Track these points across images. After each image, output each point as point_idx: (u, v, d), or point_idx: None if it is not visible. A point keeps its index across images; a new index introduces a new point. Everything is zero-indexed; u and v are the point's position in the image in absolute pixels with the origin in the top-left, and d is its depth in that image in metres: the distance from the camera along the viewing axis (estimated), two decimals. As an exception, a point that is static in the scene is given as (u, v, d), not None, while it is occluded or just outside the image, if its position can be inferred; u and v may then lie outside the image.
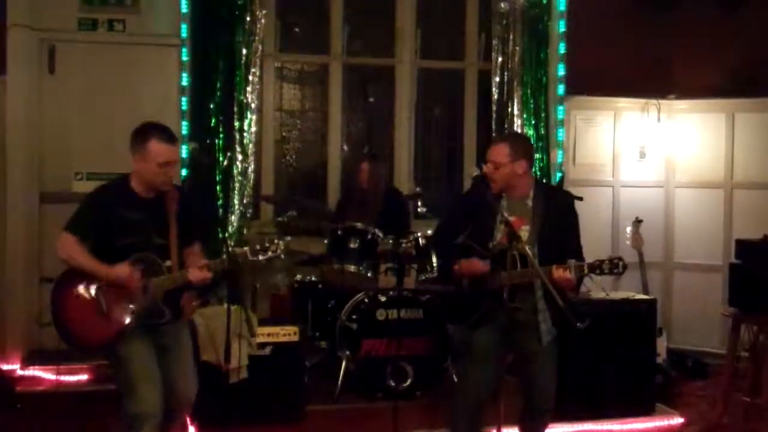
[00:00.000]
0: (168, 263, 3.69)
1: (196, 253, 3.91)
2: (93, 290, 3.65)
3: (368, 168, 5.96)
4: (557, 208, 3.99)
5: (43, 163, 6.08)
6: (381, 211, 5.81)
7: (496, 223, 3.93)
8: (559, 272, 3.71)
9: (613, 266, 3.73)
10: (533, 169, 6.48)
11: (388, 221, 5.70)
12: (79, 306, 3.65)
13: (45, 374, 5.59)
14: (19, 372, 5.66)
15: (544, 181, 6.56)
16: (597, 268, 3.74)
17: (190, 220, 3.88)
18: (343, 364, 5.25)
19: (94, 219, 3.66)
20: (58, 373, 5.46)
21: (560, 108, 6.77)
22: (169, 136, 3.70)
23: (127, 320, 3.64)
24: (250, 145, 6.17)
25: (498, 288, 3.81)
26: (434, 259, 5.42)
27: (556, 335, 3.97)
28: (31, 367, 5.67)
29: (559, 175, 6.70)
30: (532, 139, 6.55)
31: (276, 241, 3.80)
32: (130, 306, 3.64)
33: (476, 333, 3.95)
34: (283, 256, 3.81)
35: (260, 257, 3.77)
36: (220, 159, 6.07)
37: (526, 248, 3.71)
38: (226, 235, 5.94)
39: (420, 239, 5.48)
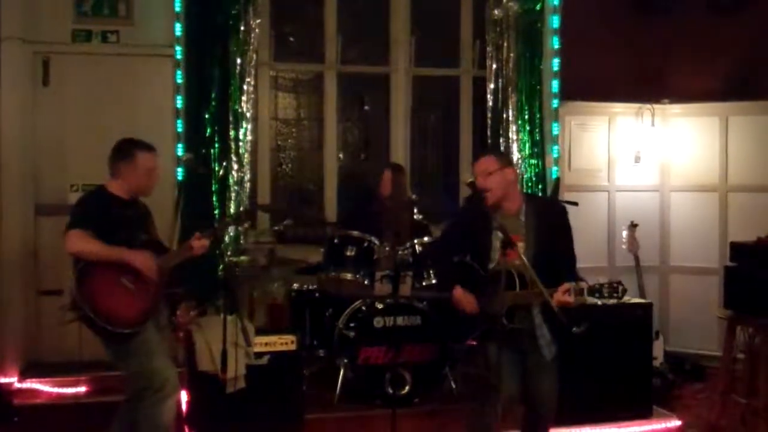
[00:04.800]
0: (166, 244, 4.26)
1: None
2: (115, 274, 3.94)
3: (391, 177, 5.93)
4: (550, 222, 4.01)
5: (39, 176, 6.07)
6: (404, 223, 5.71)
7: (492, 240, 3.94)
8: (559, 296, 3.72)
9: (613, 290, 3.76)
10: (528, 175, 6.55)
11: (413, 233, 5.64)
12: (107, 291, 3.92)
13: (43, 387, 5.58)
14: (17, 385, 5.63)
15: (539, 186, 6.59)
16: (597, 291, 3.77)
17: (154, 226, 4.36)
18: (341, 371, 5.26)
19: (97, 214, 3.99)
20: (57, 385, 5.46)
21: (555, 113, 6.79)
22: (149, 146, 4.23)
23: (153, 298, 4.02)
24: (246, 155, 6.17)
25: (497, 310, 3.81)
26: (431, 273, 5.43)
27: (557, 351, 3.97)
28: (28, 380, 5.65)
29: (554, 178, 6.71)
30: (527, 145, 6.60)
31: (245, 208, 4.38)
32: (155, 283, 4.02)
33: (486, 347, 3.93)
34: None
35: (236, 226, 4.48)
36: (216, 168, 6.06)
37: (527, 265, 3.70)
38: (222, 245, 5.94)
39: (416, 246, 5.49)
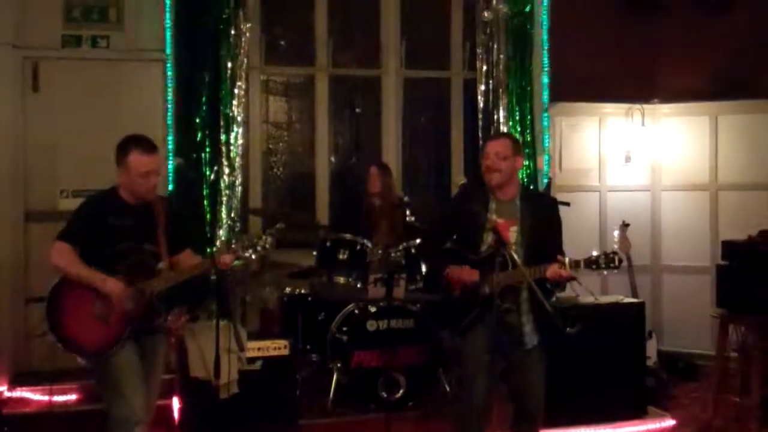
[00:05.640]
0: (161, 265, 3.85)
1: (188, 256, 4.07)
2: (89, 297, 3.74)
3: (377, 173, 5.93)
4: (543, 210, 4.09)
5: (28, 182, 6.04)
6: (396, 222, 5.72)
7: (484, 227, 3.96)
8: (554, 269, 3.75)
9: (609, 260, 3.78)
10: (520, 176, 6.55)
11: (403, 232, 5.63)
12: (77, 311, 3.75)
13: (33, 395, 5.54)
14: (7, 394, 5.60)
15: (531, 187, 6.60)
16: (593, 263, 3.80)
17: (178, 229, 4.03)
18: (335, 376, 5.25)
19: (87, 227, 3.79)
20: (47, 393, 5.42)
21: (545, 114, 6.82)
22: (148, 147, 3.84)
23: (123, 326, 3.76)
24: (237, 158, 6.16)
25: (488, 291, 3.84)
26: (423, 267, 5.43)
27: (540, 340, 3.98)
28: (18, 389, 5.61)
29: (545, 180, 6.72)
30: (518, 146, 6.60)
31: (262, 236, 3.96)
32: (127, 311, 3.75)
33: (467, 338, 3.97)
34: (267, 246, 3.94)
35: (250, 253, 3.94)
36: (207, 173, 6.05)
37: (513, 253, 3.75)
38: (215, 249, 5.91)
39: (410, 248, 5.48)
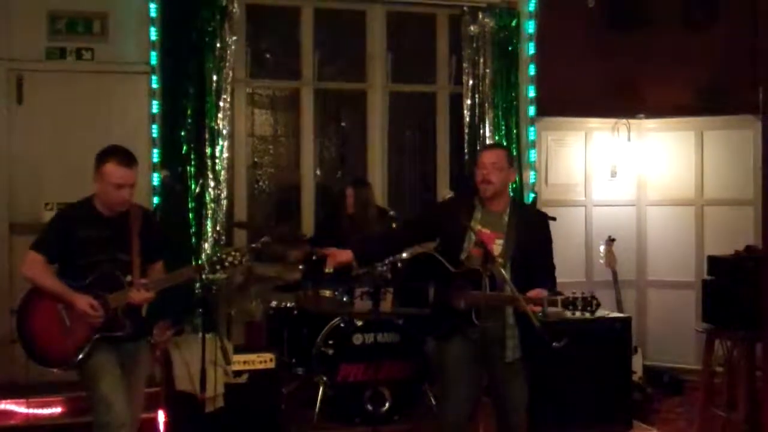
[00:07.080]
0: (129, 278, 3.86)
1: (158, 270, 4.09)
2: (57, 307, 3.81)
3: (353, 194, 5.95)
4: (532, 225, 4.06)
5: (13, 194, 5.99)
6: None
7: (465, 234, 3.95)
8: (530, 306, 3.72)
9: (587, 304, 3.75)
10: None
11: None
12: (44, 322, 3.82)
13: (18, 408, 5.45)
14: (-9, 407, 5.55)
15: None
16: (570, 303, 3.77)
17: (153, 239, 4.05)
18: (321, 389, 5.22)
19: (57, 239, 3.86)
20: (30, 406, 5.36)
21: (531, 129, 6.84)
22: (126, 160, 3.85)
23: (88, 336, 3.80)
24: (223, 172, 6.14)
25: (464, 306, 3.83)
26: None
27: (522, 354, 3.96)
28: (3, 401, 5.52)
29: (531, 195, 6.74)
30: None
31: (233, 252, 3.98)
32: (92, 323, 3.80)
33: (448, 346, 3.96)
34: (243, 260, 3.97)
35: (218, 269, 3.96)
36: (192, 186, 6.03)
37: (502, 271, 3.73)
38: (199, 262, 5.88)
39: (395, 262, 5.47)
